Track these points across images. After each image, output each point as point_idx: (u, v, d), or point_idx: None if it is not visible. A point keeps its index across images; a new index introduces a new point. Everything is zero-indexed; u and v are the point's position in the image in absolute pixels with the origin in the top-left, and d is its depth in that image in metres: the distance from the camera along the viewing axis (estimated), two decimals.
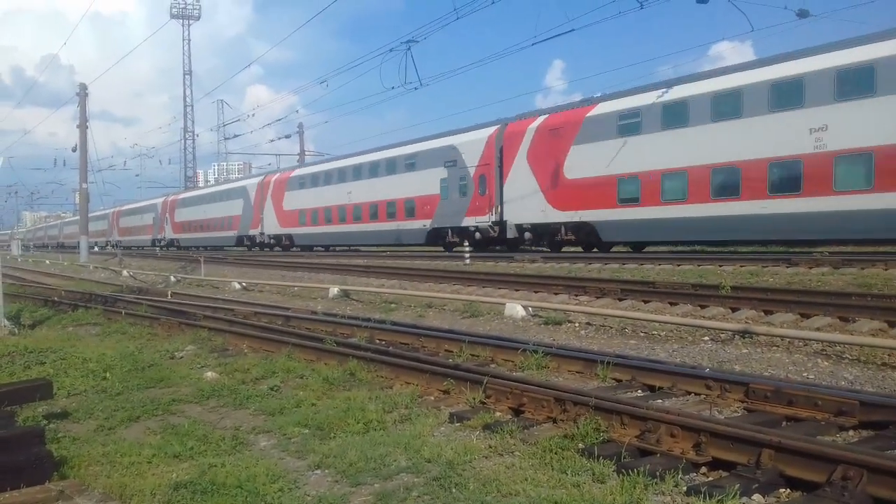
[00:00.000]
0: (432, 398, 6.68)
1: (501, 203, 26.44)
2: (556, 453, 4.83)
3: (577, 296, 13.62)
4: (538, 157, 24.75)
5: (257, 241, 46.58)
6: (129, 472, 4.81)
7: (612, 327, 10.68)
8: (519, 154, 25.51)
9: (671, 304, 11.89)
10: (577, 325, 11.08)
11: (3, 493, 3.90)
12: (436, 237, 30.57)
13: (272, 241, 44.85)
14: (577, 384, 6.98)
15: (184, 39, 77.12)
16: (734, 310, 10.95)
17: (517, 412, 5.99)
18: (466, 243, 24.76)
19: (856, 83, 17.37)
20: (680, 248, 23.99)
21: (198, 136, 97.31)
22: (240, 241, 49.46)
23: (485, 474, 4.53)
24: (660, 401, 6.21)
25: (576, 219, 23.66)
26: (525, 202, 25.21)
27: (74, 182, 62.50)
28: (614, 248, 24.87)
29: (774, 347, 8.69)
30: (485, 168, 27.22)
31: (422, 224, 30.62)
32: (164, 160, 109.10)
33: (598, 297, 13.16)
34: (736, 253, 20.48)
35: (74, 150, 45.05)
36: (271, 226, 44.22)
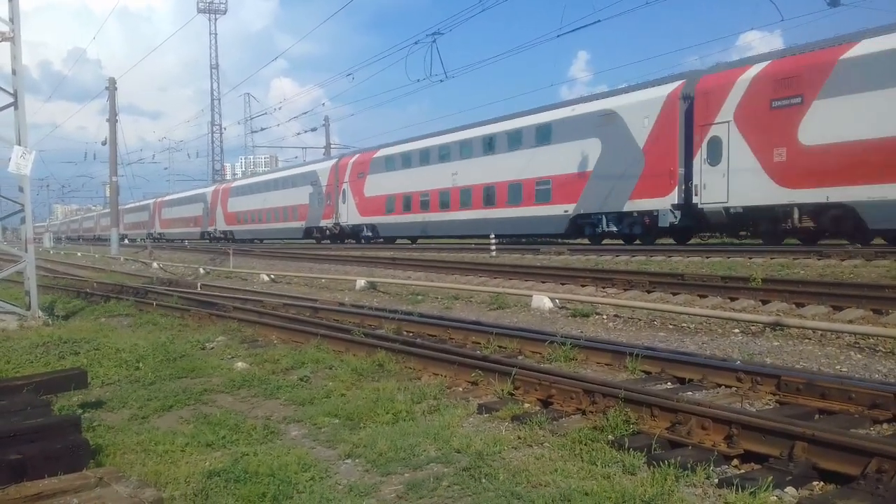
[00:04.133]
0: (461, 389, 6.70)
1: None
2: (585, 445, 4.82)
3: (604, 288, 13.55)
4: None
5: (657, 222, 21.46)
6: (163, 460, 4.88)
7: (640, 319, 10.61)
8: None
9: (700, 296, 11.78)
10: (604, 317, 11.03)
11: (43, 480, 3.99)
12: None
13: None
14: (605, 376, 6.97)
15: (210, 34, 77.94)
16: (765, 302, 10.83)
17: (546, 404, 5.99)
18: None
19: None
20: (710, 241, 23.85)
21: (225, 129, 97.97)
22: (578, 227, 24.68)
23: (514, 465, 4.54)
24: (690, 393, 6.17)
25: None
26: None
27: (104, 175, 62.40)
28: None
29: (806, 340, 8.59)
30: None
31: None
32: (191, 153, 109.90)
33: (625, 290, 13.08)
34: (766, 245, 20.32)
35: (104, 143, 45.68)
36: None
